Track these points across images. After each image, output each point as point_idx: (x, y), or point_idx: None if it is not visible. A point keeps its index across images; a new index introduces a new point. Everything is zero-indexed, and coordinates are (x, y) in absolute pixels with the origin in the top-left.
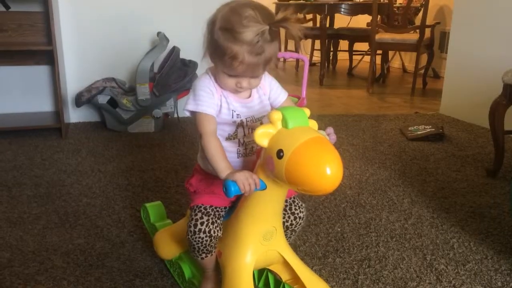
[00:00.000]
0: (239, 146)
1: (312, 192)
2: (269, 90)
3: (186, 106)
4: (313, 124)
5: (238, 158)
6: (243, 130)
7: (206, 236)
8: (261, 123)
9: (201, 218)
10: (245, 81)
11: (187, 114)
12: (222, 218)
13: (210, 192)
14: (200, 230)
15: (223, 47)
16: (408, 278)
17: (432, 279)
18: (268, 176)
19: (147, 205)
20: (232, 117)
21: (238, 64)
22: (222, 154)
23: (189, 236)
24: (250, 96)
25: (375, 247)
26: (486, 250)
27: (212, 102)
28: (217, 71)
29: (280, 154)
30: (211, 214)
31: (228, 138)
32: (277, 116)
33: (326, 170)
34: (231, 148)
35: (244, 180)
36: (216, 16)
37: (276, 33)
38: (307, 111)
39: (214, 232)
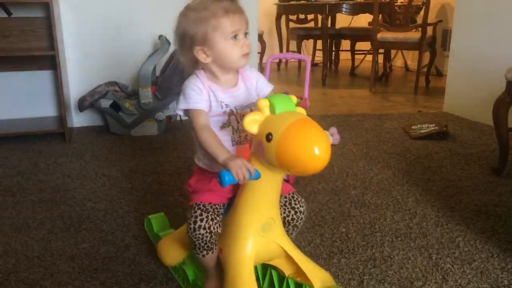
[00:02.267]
0: (233, 133)
1: (303, 172)
2: (255, 82)
3: (178, 106)
4: (301, 110)
5: (233, 146)
6: (236, 117)
7: (206, 232)
8: (251, 110)
9: (201, 215)
10: (242, 36)
11: (181, 113)
12: (221, 215)
13: (208, 190)
14: (200, 226)
15: (208, 20)
16: (414, 278)
17: (438, 278)
18: (262, 164)
19: (150, 216)
20: (222, 108)
21: (224, 13)
22: (217, 140)
23: (190, 233)
24: (236, 84)
25: (380, 247)
26: (492, 248)
27: (201, 98)
28: (221, 49)
29: (269, 137)
30: (210, 211)
31: (222, 127)
32: (264, 103)
33: (314, 149)
34: (226, 137)
35: (237, 168)
36: (182, 25)
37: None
38: (294, 98)
39: (214, 229)
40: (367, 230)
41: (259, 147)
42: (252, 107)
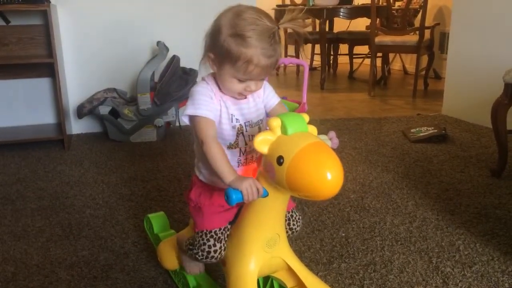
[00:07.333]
0: (240, 155)
1: (314, 197)
2: (263, 92)
3: (184, 112)
4: (313, 129)
5: (238, 167)
6: (244, 138)
7: (217, 255)
8: (259, 129)
9: (208, 241)
10: (254, 84)
11: (186, 121)
12: (228, 231)
13: (212, 213)
14: (209, 252)
15: (237, 53)
16: (414, 282)
17: (439, 282)
18: (270, 183)
19: (150, 216)
20: (232, 122)
21: (253, 67)
22: (225, 159)
23: (198, 256)
24: (246, 97)
25: (380, 251)
26: (493, 251)
27: (212, 107)
28: (224, 77)
29: (280, 160)
30: (218, 233)
31: (230, 147)
32: (276, 123)
33: (327, 175)
34: (233, 157)
35: (248, 187)
36: (220, 24)
37: (279, 34)
38: (306, 117)
39: (221, 248)
40: (367, 234)
41: (269, 168)
42: (260, 124)
